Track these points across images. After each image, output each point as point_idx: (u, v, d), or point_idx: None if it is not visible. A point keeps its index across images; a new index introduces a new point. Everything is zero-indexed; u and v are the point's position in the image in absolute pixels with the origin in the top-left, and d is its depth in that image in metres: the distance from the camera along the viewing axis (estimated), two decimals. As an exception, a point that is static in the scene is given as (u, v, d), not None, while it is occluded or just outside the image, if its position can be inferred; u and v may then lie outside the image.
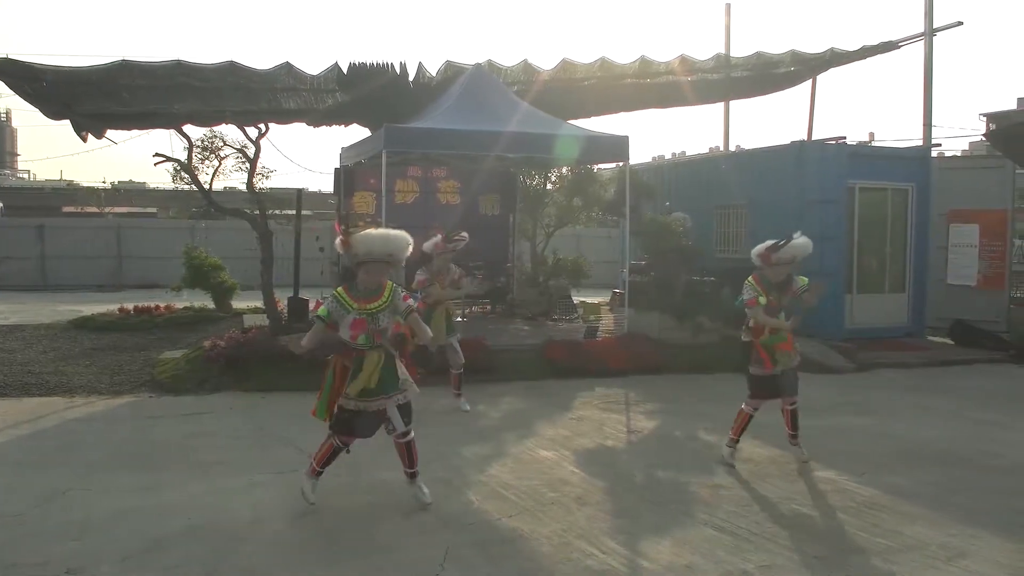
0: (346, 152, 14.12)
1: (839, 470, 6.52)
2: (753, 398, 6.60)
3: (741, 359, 6.68)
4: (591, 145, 12.12)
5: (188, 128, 12.08)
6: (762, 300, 6.36)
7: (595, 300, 17.20)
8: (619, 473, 6.43)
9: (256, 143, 11.92)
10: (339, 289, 5.27)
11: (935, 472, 6.51)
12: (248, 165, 11.86)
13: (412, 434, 5.47)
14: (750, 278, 6.47)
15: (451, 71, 13.41)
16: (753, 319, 6.43)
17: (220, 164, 11.99)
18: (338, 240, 5.23)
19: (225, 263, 16.32)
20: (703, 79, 15.03)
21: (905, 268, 13.77)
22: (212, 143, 11.88)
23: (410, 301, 5.35)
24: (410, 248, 5.28)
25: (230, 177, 12.54)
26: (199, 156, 11.88)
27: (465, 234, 8.33)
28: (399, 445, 5.46)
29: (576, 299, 15.65)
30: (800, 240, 6.43)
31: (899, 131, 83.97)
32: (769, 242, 6.42)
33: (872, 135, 16.96)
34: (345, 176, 14.11)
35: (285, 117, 13.35)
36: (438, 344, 8.02)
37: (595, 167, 16.12)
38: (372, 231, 5.20)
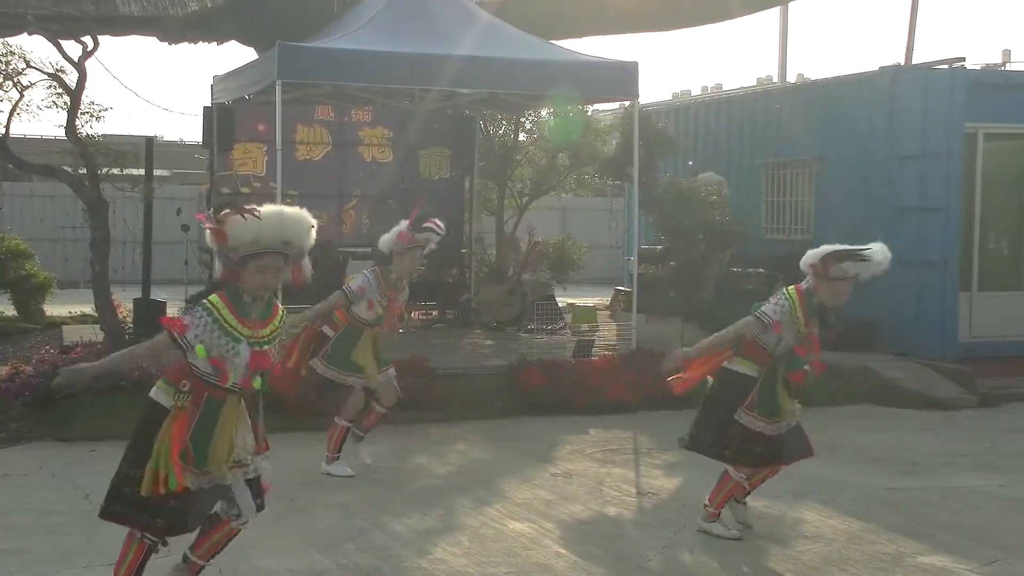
0: (221, 84, 13.98)
1: (955, 555, 6.46)
2: (733, 463, 6.61)
3: (815, 387, 6.69)
4: (585, 75, 12.12)
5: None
6: (789, 336, 6.35)
7: (589, 302, 17.18)
8: (625, 555, 6.37)
9: (79, 66, 11.72)
10: (212, 298, 5.03)
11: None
12: (67, 99, 11.65)
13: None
14: (792, 291, 6.43)
15: (376, -37, 13.27)
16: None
17: (22, 97, 11.79)
18: (207, 231, 5.05)
19: (33, 247, 16.05)
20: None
21: (1054, 253, 13.86)
22: (7, 64, 11.66)
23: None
24: (313, 234, 5.17)
25: (39, 117, 12.35)
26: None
27: (440, 223, 8.03)
28: (229, 531, 5.22)
29: (562, 301, 15.60)
30: (877, 256, 6.36)
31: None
32: (832, 247, 6.36)
33: (1007, 54, 16.95)
34: (220, 119, 13.96)
35: (124, 27, 13.17)
36: (370, 384, 7.96)
37: (590, 108, 16.10)
38: (257, 210, 5.02)
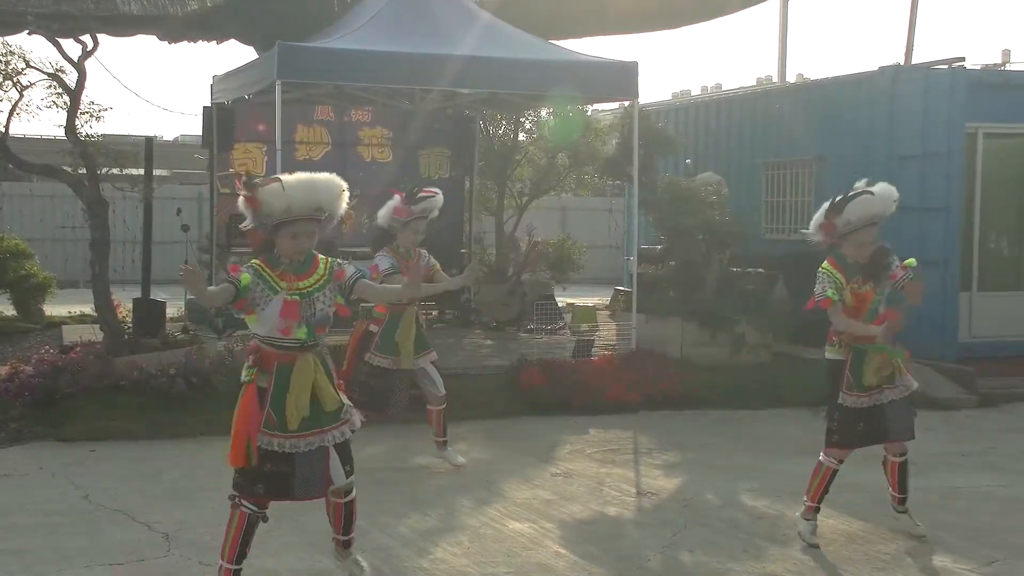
0: (221, 84, 13.98)
1: (956, 555, 6.48)
2: (837, 446, 6.56)
3: (822, 387, 6.65)
4: (585, 75, 12.13)
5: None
6: (838, 296, 6.30)
7: (589, 302, 17.19)
8: (625, 555, 6.38)
9: (79, 65, 11.71)
10: (255, 261, 5.25)
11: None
12: (67, 99, 11.64)
13: (355, 491, 5.47)
14: (825, 263, 6.47)
15: (376, -37, 13.28)
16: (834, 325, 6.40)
17: (21, 97, 11.77)
18: (240, 198, 5.22)
19: (33, 247, 16.07)
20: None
21: (1055, 252, 13.87)
22: (6, 63, 11.65)
23: (351, 270, 5.41)
24: (345, 198, 5.34)
25: (39, 117, 12.35)
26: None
27: (436, 190, 8.28)
28: (336, 505, 5.45)
29: (562, 301, 15.61)
30: (877, 189, 6.41)
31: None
32: (826, 204, 6.40)
33: (1007, 54, 16.95)
34: (220, 119, 13.98)
35: (124, 27, 13.17)
36: (404, 369, 8.10)
37: (590, 108, 16.11)
38: (289, 177, 5.25)
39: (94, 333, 12.05)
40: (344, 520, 5.48)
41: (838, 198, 6.37)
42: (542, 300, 14.53)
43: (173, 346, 10.93)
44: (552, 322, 14.33)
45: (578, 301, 16.74)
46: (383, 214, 8.11)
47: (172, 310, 13.88)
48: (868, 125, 13.63)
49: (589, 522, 7.09)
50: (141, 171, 12.82)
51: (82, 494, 7.56)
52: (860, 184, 6.48)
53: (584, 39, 16.73)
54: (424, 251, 8.25)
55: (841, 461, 6.60)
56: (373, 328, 8.15)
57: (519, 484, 7.97)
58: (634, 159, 12.48)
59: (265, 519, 5.31)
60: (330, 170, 15.73)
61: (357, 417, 5.39)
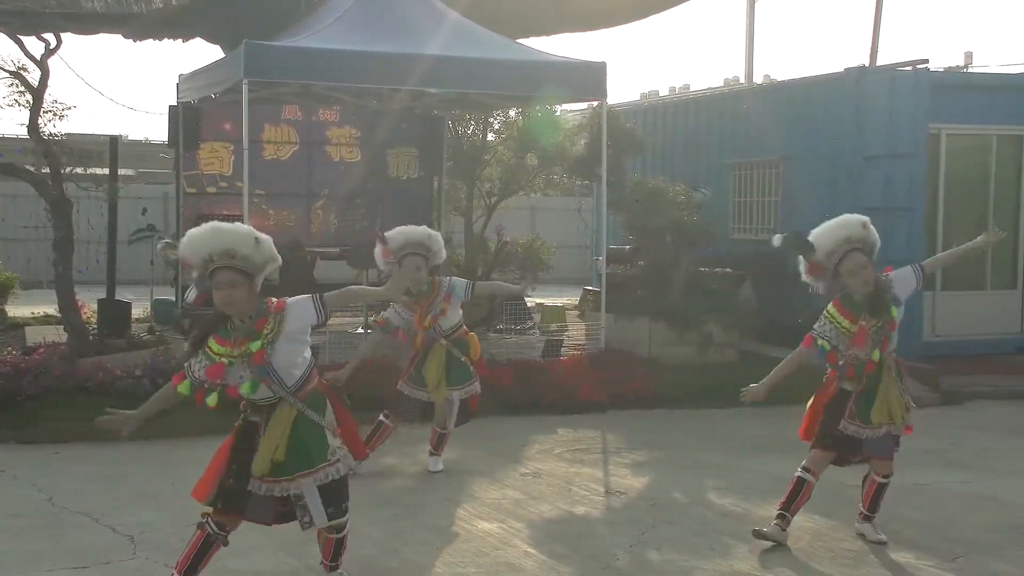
0: (187, 83, 13.90)
1: (919, 551, 6.53)
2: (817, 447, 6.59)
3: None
4: (553, 75, 12.15)
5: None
6: (828, 347, 6.33)
7: (559, 302, 17.21)
8: (593, 554, 6.38)
9: (42, 63, 11.64)
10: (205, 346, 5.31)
11: (1059, 553, 6.57)
12: (29, 98, 11.56)
13: (347, 527, 5.52)
14: (830, 306, 6.39)
15: (344, -38, 13.24)
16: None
17: (-17, 94, 11.67)
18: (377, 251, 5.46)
19: (-5, 248, 15.94)
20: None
21: (1017, 253, 14.05)
22: (-33, 61, 11.56)
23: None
24: (259, 244, 5.23)
25: (0, 116, 12.26)
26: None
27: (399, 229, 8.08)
28: (326, 538, 5.53)
29: (531, 300, 15.62)
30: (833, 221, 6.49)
31: (1010, 50, 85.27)
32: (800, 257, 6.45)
33: (969, 57, 17.23)
34: (186, 119, 13.87)
35: (88, 24, 13.09)
36: (434, 398, 8.09)
37: (558, 108, 16.13)
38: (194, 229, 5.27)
39: (58, 334, 11.96)
40: (333, 551, 5.55)
41: (800, 240, 6.43)
42: (511, 300, 14.54)
43: (139, 347, 10.88)
44: (521, 322, 14.34)
45: (547, 301, 16.76)
46: (379, 260, 8.07)
47: (138, 311, 13.81)
48: (834, 126, 13.71)
49: (558, 521, 7.09)
50: (106, 170, 12.75)
51: (46, 496, 7.49)
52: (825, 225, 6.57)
53: (554, 36, 16.76)
54: (446, 279, 8.14)
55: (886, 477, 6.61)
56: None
57: (488, 484, 7.98)
58: (603, 159, 12.53)
59: (226, 543, 5.34)
60: (298, 169, 15.67)
61: (345, 461, 5.41)
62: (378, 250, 7.97)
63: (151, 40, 13.99)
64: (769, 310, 13.30)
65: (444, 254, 8.16)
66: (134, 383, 9.59)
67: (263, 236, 5.24)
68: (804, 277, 6.52)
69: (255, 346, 5.14)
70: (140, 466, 8.39)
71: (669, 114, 17.28)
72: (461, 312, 8.27)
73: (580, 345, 12.87)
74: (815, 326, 6.42)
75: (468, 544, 6.53)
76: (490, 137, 16.80)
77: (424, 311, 7.95)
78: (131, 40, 13.73)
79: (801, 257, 6.45)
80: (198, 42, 14.51)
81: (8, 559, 6.22)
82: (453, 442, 8.61)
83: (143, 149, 32.40)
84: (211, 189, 14.46)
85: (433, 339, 7.99)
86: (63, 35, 12.09)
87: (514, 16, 14.36)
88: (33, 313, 14.95)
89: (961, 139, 13.67)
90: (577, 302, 17.39)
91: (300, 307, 5.24)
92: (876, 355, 6.29)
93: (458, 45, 11.78)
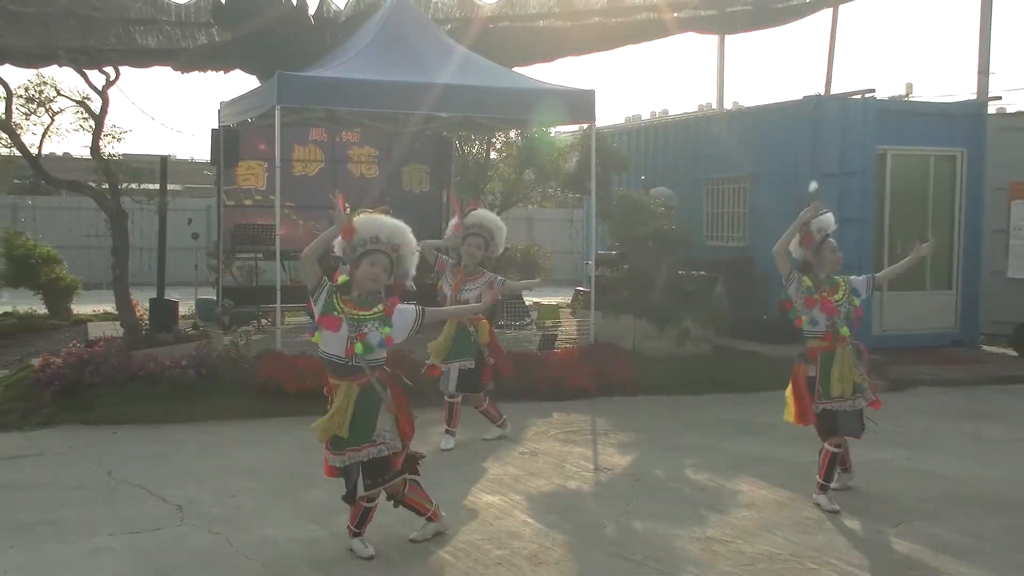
0: (227, 108, 13.89)
1: (868, 518, 6.56)
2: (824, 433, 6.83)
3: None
4: (548, 101, 12.11)
5: (4, 70, 11.80)
6: (801, 288, 6.67)
7: (553, 301, 17.21)
8: (584, 523, 6.40)
9: (103, 93, 11.65)
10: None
11: (991, 522, 6.56)
12: (92, 123, 11.58)
13: (378, 500, 5.68)
14: (803, 277, 6.74)
15: (364, 3, 13.27)
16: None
17: (52, 121, 11.72)
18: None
19: (61, 254, 15.99)
20: (692, 16, 15.13)
21: (952, 258, 14.05)
22: (40, 92, 11.57)
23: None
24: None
25: (67, 139, 12.30)
26: (21, 110, 11.57)
27: (480, 208, 8.40)
28: (358, 505, 5.66)
29: (528, 300, 15.62)
30: (828, 216, 6.83)
31: (946, 81, 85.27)
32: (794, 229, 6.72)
33: (910, 87, 17.26)
34: (226, 140, 13.86)
35: (142, 59, 13.09)
36: (433, 361, 8.22)
37: (552, 130, 16.15)
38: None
39: (115, 329, 11.99)
40: (360, 518, 5.66)
41: (821, 203, 6.77)
42: (511, 300, 14.53)
43: (184, 340, 10.88)
44: (520, 319, 14.34)
45: (543, 300, 16.75)
46: (449, 235, 8.31)
47: (184, 309, 13.80)
48: (794, 147, 13.72)
49: (552, 495, 7.10)
50: (157, 186, 12.75)
51: (105, 471, 7.53)
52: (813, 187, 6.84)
53: (547, 63, 16.67)
54: (491, 273, 8.28)
55: (838, 446, 6.78)
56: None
57: (491, 461, 7.97)
58: (592, 175, 12.51)
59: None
60: (323, 184, 15.66)
61: (391, 442, 5.53)
62: (453, 221, 8.19)
63: (196, 72, 13.98)
64: (739, 308, 13.31)
65: (502, 248, 8.42)
66: (180, 372, 9.60)
67: (416, 251, 5.62)
68: (793, 245, 6.82)
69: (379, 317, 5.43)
70: (186, 445, 8.40)
71: (650, 135, 17.26)
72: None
73: (572, 339, 12.87)
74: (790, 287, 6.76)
75: (473, 514, 6.53)
76: (492, 155, 16.81)
77: (460, 283, 8.15)
78: (179, 72, 13.73)
79: (808, 226, 6.72)
80: (237, 73, 14.49)
81: (73, 525, 6.24)
82: (461, 423, 8.55)
83: (189, 167, 32.46)
84: (248, 202, 14.47)
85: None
86: (121, 68, 12.09)
87: (514, 50, 14.29)
88: (94, 311, 14.98)
89: (904, 159, 13.67)
90: (570, 301, 17.37)
91: (403, 315, 5.55)
92: (845, 331, 6.66)
93: (464, 75, 11.78)
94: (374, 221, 5.57)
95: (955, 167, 13.95)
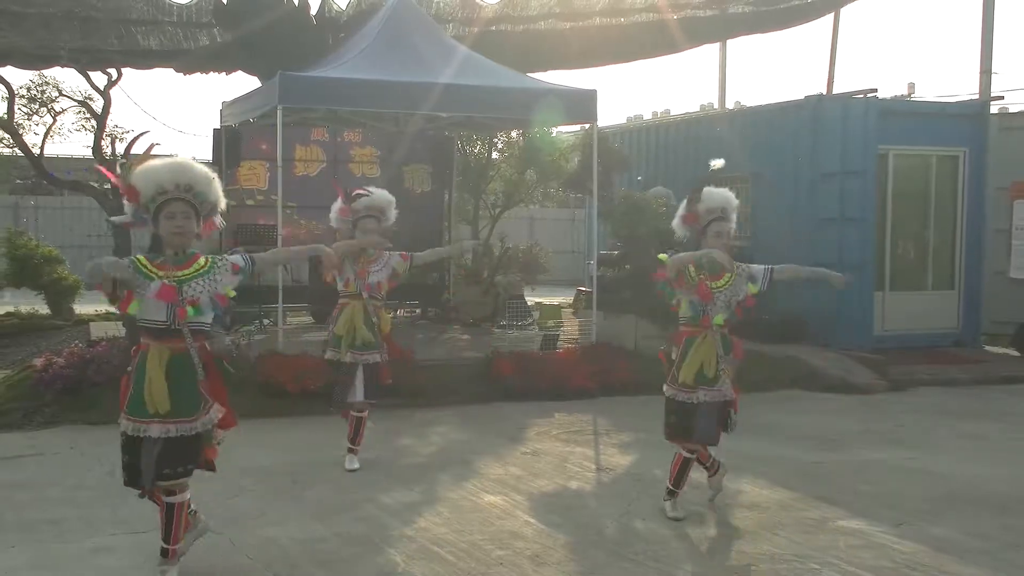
0: (229, 109, 13.90)
1: (869, 519, 6.54)
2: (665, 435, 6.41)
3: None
4: (550, 101, 12.11)
5: (6, 71, 11.81)
6: (674, 272, 6.11)
7: (555, 301, 17.21)
8: (585, 523, 6.38)
9: (105, 94, 11.67)
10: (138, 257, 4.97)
11: (992, 522, 6.55)
12: (94, 123, 11.58)
13: (182, 496, 5.17)
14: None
15: (366, 3, 13.27)
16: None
17: (55, 121, 11.73)
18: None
19: (63, 254, 15.91)
20: (691, 16, 15.13)
21: (954, 258, 14.05)
22: (42, 92, 11.58)
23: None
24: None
25: (69, 139, 12.30)
26: (24, 110, 11.57)
27: (372, 189, 7.45)
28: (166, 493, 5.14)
29: (530, 300, 15.63)
30: (723, 192, 6.42)
31: (948, 81, 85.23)
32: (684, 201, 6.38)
33: (912, 87, 17.34)
34: (228, 140, 13.88)
35: (144, 60, 13.08)
36: (339, 357, 7.36)
37: (554, 130, 16.16)
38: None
39: (117, 329, 11.97)
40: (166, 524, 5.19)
41: (699, 189, 6.32)
42: (513, 299, 14.53)
43: (184, 340, 10.85)
44: (522, 319, 14.34)
45: (545, 300, 16.76)
46: (332, 217, 7.41)
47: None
48: (795, 146, 13.73)
49: (554, 495, 7.08)
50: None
51: (107, 471, 7.47)
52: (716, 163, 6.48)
53: (549, 72, 16.71)
54: (388, 254, 7.41)
55: (692, 451, 6.35)
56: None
57: (493, 461, 7.96)
58: (594, 175, 12.51)
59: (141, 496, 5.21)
60: (325, 184, 15.64)
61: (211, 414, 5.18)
62: (338, 206, 7.32)
63: (198, 73, 13.98)
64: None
65: (393, 219, 7.45)
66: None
67: (215, 175, 5.00)
68: (676, 223, 6.47)
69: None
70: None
71: (651, 135, 17.26)
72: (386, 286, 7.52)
73: (573, 339, 12.87)
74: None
75: (475, 515, 6.52)
76: (494, 155, 16.81)
77: (366, 267, 7.32)
78: (181, 73, 13.71)
79: (686, 202, 6.35)
80: (239, 74, 14.53)
81: (75, 525, 6.23)
82: (460, 425, 8.56)
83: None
84: (249, 202, 14.45)
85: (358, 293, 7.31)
86: (123, 69, 12.10)
87: (515, 54, 14.28)
88: (96, 311, 14.94)
89: (905, 158, 13.67)
90: (571, 301, 17.38)
91: (229, 258, 5.07)
92: (719, 319, 6.21)
93: (466, 75, 11.78)
94: (151, 172, 4.84)
95: (957, 167, 13.93)
